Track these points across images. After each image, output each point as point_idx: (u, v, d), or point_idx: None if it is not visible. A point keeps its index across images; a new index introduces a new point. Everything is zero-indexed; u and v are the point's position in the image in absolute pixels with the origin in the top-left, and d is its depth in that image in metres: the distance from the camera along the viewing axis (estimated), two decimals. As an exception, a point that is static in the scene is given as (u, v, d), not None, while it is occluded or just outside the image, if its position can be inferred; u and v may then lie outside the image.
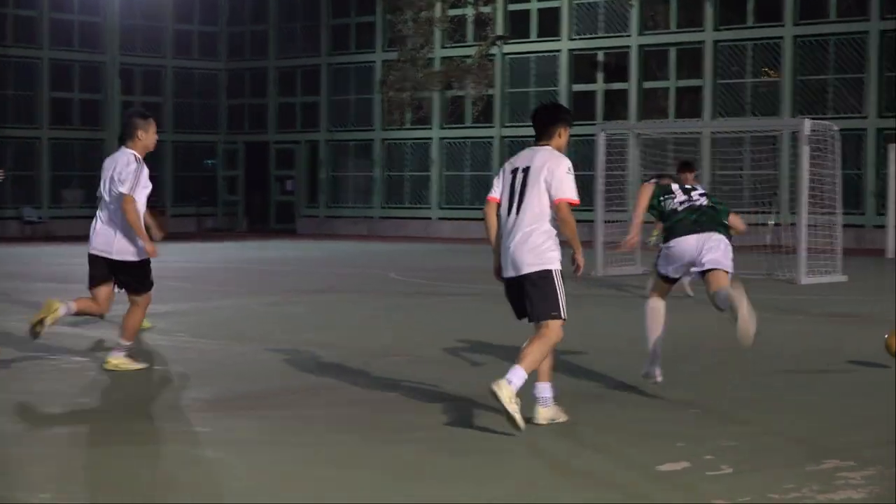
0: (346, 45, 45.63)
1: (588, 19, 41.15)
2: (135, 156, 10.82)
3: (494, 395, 7.97)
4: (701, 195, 10.03)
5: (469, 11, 42.46)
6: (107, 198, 10.87)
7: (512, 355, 8.68)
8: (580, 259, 8.39)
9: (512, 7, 42.37)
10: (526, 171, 8.49)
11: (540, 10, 42.06)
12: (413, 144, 44.16)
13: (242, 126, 47.97)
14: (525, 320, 8.64)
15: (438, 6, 42.30)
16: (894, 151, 31.60)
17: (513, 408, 7.94)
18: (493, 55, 42.02)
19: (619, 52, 40.60)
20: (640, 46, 40.03)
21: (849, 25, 36.15)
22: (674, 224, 9.79)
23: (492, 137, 42.22)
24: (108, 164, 11.04)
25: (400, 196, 44.64)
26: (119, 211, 10.67)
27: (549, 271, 8.37)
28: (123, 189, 10.63)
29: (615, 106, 40.71)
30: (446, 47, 43.04)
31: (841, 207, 23.64)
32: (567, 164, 8.51)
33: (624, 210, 25.13)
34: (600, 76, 41.15)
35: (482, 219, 8.91)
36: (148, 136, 10.93)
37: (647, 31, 40.06)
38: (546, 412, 8.49)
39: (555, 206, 8.39)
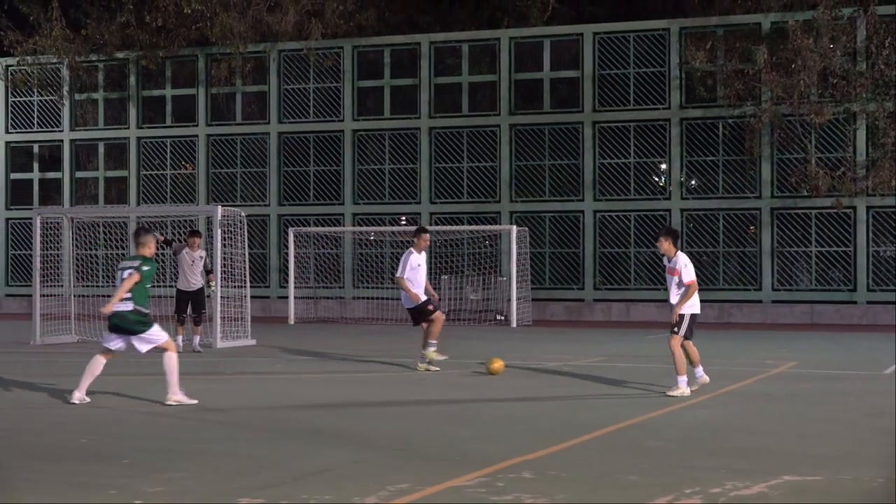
0: None
1: (24, 114, 39.43)
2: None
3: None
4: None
5: None
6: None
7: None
8: None
9: (-50, 101, 39.70)
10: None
11: (-23, 105, 39.83)
12: None
13: None
14: None
15: None
16: (293, 234, 32.68)
17: None
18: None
19: (53, 145, 39.21)
20: (72, 141, 38.89)
21: (253, 127, 37.20)
22: None
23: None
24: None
25: None
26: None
27: None
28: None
29: (50, 192, 39.20)
30: None
31: (249, 281, 24.00)
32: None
33: (60, 285, 24.10)
34: (36, 166, 39.51)
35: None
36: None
37: (78, 126, 38.98)
38: None
39: None
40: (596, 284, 34.06)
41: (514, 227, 30.83)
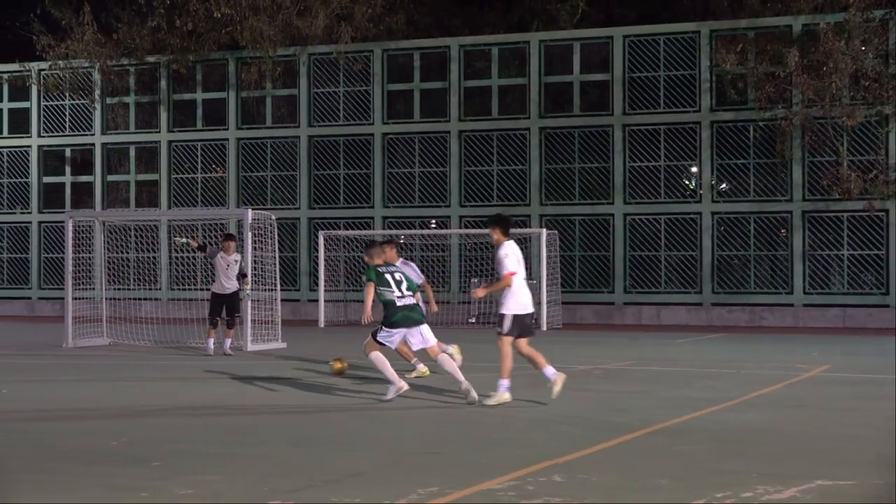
0: None
1: (56, 118, 39.72)
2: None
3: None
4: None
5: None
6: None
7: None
8: None
9: (-17, 105, 40.09)
10: None
11: (10, 111, 40.23)
12: None
13: None
14: None
15: None
16: (323, 237, 32.75)
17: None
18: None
19: (85, 149, 39.48)
20: (104, 144, 39.14)
21: (285, 130, 37.34)
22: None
23: (-36, 224, 39.41)
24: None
25: None
26: None
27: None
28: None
29: (82, 196, 39.47)
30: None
31: (279, 284, 24.06)
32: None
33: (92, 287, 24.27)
34: (68, 169, 39.81)
35: None
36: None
37: (110, 130, 39.23)
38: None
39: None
40: (626, 288, 33.95)
41: (544, 231, 30.77)
